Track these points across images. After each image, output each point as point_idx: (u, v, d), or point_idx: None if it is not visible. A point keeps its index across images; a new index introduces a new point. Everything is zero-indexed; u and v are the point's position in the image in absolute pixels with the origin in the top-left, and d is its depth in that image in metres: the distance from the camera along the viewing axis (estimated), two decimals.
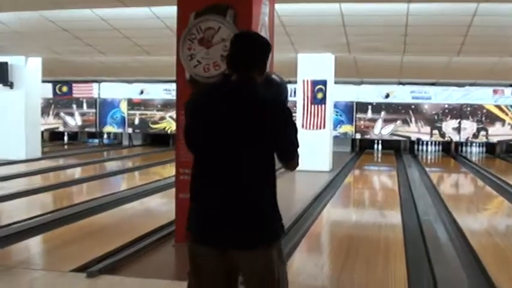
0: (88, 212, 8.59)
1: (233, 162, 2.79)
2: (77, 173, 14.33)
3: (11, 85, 16.25)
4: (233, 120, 2.78)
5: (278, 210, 2.86)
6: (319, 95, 14.32)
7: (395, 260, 6.33)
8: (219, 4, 6.27)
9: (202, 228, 2.84)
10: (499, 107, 19.97)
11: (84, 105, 22.83)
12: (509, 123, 19.95)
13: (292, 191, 11.68)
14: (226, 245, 2.77)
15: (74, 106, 22.93)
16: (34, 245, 7.01)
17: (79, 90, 22.87)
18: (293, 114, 3.22)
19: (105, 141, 23.36)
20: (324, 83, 14.35)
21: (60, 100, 22.94)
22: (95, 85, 22.61)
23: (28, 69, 16.39)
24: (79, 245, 6.70)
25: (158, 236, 7.10)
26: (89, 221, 8.07)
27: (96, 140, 23.15)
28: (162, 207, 9.27)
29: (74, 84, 22.79)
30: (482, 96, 20.11)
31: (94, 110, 22.77)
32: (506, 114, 19.92)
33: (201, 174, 2.91)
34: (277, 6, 9.55)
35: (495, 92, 20.00)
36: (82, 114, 22.92)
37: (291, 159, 2.91)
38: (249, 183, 2.79)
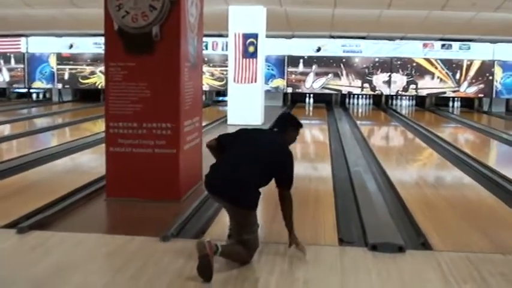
0: (17, 169, 8.44)
1: (243, 163, 4.65)
2: (5, 129, 13.96)
3: None
4: (258, 145, 4.81)
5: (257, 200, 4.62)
6: (251, 49, 14.28)
7: (325, 209, 6.46)
8: None
9: (209, 183, 4.72)
10: (428, 60, 20.33)
11: (12, 60, 22.19)
12: (438, 77, 20.35)
13: None
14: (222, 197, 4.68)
15: (1, 61, 22.26)
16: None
17: (6, 45, 22.18)
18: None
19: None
20: (256, 36, 14.31)
21: None
22: (22, 39, 21.96)
23: None
24: (9, 202, 6.59)
25: (89, 191, 7.04)
26: (18, 178, 7.93)
27: None
28: (93, 162, 9.16)
29: (0, 39, 22.08)
30: (412, 49, 20.41)
31: (22, 65, 22.16)
32: (436, 68, 20.30)
33: (222, 160, 4.81)
34: None
35: (425, 45, 20.33)
36: (10, 70, 22.29)
37: (287, 188, 4.75)
38: (246, 178, 4.58)
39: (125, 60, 6.42)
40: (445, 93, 20.59)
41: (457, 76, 20.27)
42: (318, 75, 20.81)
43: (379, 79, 20.62)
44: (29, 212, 5.89)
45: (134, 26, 6.33)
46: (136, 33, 6.35)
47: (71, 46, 21.67)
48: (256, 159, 4.66)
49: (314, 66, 20.76)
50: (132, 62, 6.42)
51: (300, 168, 9.31)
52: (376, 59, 20.55)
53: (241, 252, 4.54)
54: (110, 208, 6.57)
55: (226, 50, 14.61)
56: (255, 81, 14.42)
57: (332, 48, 20.68)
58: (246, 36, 14.26)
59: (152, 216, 6.07)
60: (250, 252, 4.58)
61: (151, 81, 6.40)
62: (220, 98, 21.47)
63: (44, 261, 4.66)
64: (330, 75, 20.74)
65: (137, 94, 6.44)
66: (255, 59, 14.34)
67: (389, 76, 20.57)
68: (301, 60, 20.80)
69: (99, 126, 12.54)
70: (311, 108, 20.88)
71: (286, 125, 5.06)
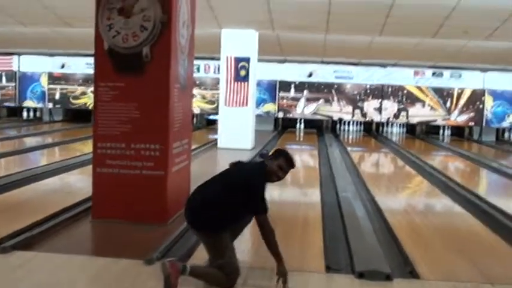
0: (3, 188, 8.33)
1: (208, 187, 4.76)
2: None
3: None
4: (231, 172, 4.96)
5: (222, 222, 4.56)
6: (242, 72, 14.29)
7: (313, 235, 6.41)
8: None
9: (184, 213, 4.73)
10: (419, 88, 20.42)
11: (3, 78, 22.12)
12: (429, 104, 20.42)
13: (213, 168, 11.61)
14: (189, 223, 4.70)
15: None
16: None
17: None
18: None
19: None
20: (247, 60, 14.33)
21: None
22: (14, 58, 21.93)
23: None
24: None
25: (75, 211, 6.95)
26: (3, 197, 7.84)
27: None
28: (81, 183, 9.07)
29: None
30: (403, 77, 20.51)
31: (13, 84, 22.09)
32: (426, 96, 20.37)
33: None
34: None
35: (416, 73, 20.43)
36: (1, 88, 22.20)
37: (259, 215, 4.55)
38: (207, 200, 4.61)
39: (114, 81, 6.39)
40: (435, 121, 20.65)
41: (448, 104, 20.35)
42: (309, 100, 20.84)
43: (370, 106, 20.67)
44: (12, 231, 5.80)
45: (125, 46, 6.30)
46: (126, 53, 6.31)
47: (63, 66, 21.66)
48: (221, 181, 4.70)
49: (305, 92, 20.79)
50: (122, 82, 6.38)
51: (288, 194, 9.33)
52: (368, 86, 20.61)
53: (218, 276, 4.46)
54: (95, 229, 6.48)
55: (218, 73, 14.60)
56: (246, 105, 14.41)
57: (324, 74, 20.74)
58: (238, 60, 14.27)
59: (138, 238, 6.00)
60: (230, 276, 4.48)
61: (141, 101, 6.35)
62: (212, 117, 21.32)
63: (26, 281, 4.60)
64: (321, 101, 20.77)
65: (126, 114, 6.39)
66: (246, 83, 14.34)
67: (381, 103, 20.62)
68: (293, 85, 20.83)
69: (89, 147, 12.44)
70: (302, 134, 20.85)
71: (277, 156, 4.81)
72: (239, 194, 4.51)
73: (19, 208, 7.27)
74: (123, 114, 6.39)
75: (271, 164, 4.73)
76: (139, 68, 6.28)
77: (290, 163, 4.81)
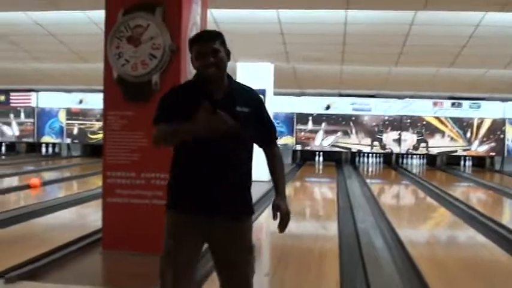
0: (16, 219, 8.30)
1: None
2: (12, 181, 13.89)
3: None
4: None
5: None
6: None
7: (330, 267, 6.22)
8: (147, 1, 6.10)
9: (194, 200, 3.32)
10: (438, 118, 20.23)
11: (22, 114, 22.27)
12: (448, 135, 20.22)
13: None
14: (218, 214, 3.33)
15: (12, 115, 22.36)
16: None
17: (17, 100, 22.33)
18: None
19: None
20: (263, 92, 14.24)
21: None
22: (33, 94, 22.10)
23: None
24: (2, 251, 6.42)
25: (85, 242, 6.85)
26: (14, 228, 7.79)
27: None
28: (94, 215, 8.96)
29: (11, 93, 22.24)
30: (422, 108, 20.36)
31: (32, 120, 22.23)
32: (446, 126, 20.18)
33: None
34: (215, 13, 9.45)
35: (435, 104, 20.27)
36: (20, 124, 22.35)
37: None
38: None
39: (124, 109, 6.33)
40: (456, 151, 20.42)
41: (468, 134, 20.14)
42: (327, 133, 20.72)
43: (389, 137, 20.50)
44: (20, 262, 5.69)
45: (134, 75, 6.24)
46: (136, 81, 6.25)
47: (81, 101, 21.77)
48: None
49: (323, 124, 20.69)
50: (131, 110, 6.32)
51: (306, 225, 9.16)
52: (386, 117, 20.46)
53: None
54: (105, 260, 6.36)
55: None
56: None
57: (341, 106, 20.65)
58: None
59: (148, 270, 5.84)
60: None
61: (150, 130, 6.23)
62: None
63: None
64: (339, 133, 20.65)
65: (135, 143, 6.31)
66: None
67: (400, 134, 20.45)
68: (311, 118, 20.74)
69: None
70: (321, 167, 20.70)
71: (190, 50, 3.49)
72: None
73: (29, 239, 7.18)
74: (132, 143, 6.32)
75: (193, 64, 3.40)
76: (148, 96, 6.18)
77: (194, 40, 3.35)
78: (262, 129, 3.48)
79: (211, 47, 3.28)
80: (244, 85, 3.54)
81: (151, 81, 6.21)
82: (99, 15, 10.22)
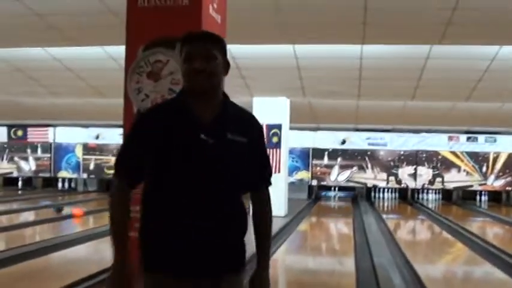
0: (34, 254, 8.31)
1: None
2: (28, 216, 13.97)
3: None
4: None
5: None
6: (274, 139, 14.28)
7: None
8: (167, 37, 6.17)
9: (192, 260, 2.58)
10: (454, 153, 20.17)
11: (39, 149, 22.44)
12: (464, 170, 20.14)
13: (246, 234, 11.48)
14: (221, 271, 2.65)
15: (29, 150, 22.53)
16: None
17: (34, 135, 22.52)
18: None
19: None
20: (279, 126, 14.34)
21: (15, 144, 22.55)
22: (50, 129, 22.29)
23: None
24: (22, 285, 6.48)
25: (103, 277, 6.85)
26: (30, 263, 7.80)
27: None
28: (109, 250, 8.98)
29: (29, 128, 22.44)
30: (437, 142, 20.31)
31: (49, 155, 22.38)
32: (462, 161, 20.11)
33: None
34: (231, 48, 9.50)
35: (450, 138, 20.23)
36: (36, 159, 22.51)
37: None
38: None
39: None
40: (472, 186, 20.31)
41: (484, 169, 20.04)
42: (342, 167, 20.71)
43: (404, 172, 20.44)
44: None
45: None
46: None
47: (97, 137, 21.92)
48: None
49: (339, 159, 20.68)
50: None
51: (322, 261, 9.14)
52: (402, 152, 20.43)
53: None
54: None
55: None
56: (279, 172, 14.32)
57: (357, 141, 20.66)
58: (269, 127, 14.27)
59: None
60: None
61: None
62: None
63: None
64: (354, 168, 20.62)
65: None
66: (278, 150, 14.30)
67: (415, 169, 20.39)
68: (326, 153, 20.74)
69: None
70: (336, 202, 20.65)
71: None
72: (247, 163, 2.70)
73: (47, 273, 7.23)
74: None
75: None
76: None
77: (185, 39, 2.62)
78: (256, 165, 2.74)
79: (205, 49, 2.57)
80: (244, 109, 2.81)
81: None
82: (117, 50, 10.42)
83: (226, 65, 2.70)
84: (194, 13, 6.15)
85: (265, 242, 2.80)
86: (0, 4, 8.16)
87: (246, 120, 2.76)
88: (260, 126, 2.83)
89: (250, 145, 2.67)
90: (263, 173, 2.80)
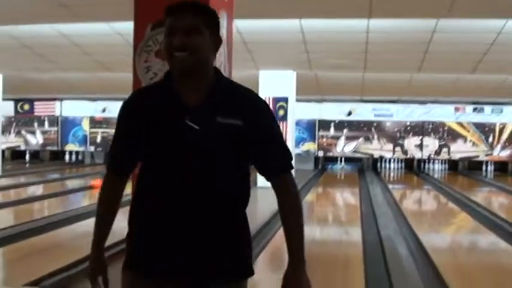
0: (45, 228, 8.44)
1: None
2: (36, 190, 14.09)
3: None
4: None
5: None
6: (281, 112, 14.32)
7: (354, 274, 6.30)
8: None
9: (166, 257, 2.29)
10: (460, 124, 20.19)
11: (46, 123, 22.55)
12: (470, 140, 20.17)
13: (253, 207, 11.53)
14: (207, 275, 2.30)
15: (36, 124, 22.64)
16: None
17: (41, 108, 22.61)
18: None
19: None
20: (286, 100, 14.36)
21: (22, 118, 22.65)
22: (57, 103, 22.36)
23: None
24: (33, 260, 6.55)
25: (115, 250, 6.94)
26: (44, 237, 7.92)
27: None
28: (119, 223, 9.10)
29: (35, 102, 22.52)
30: (443, 113, 20.32)
31: (56, 128, 22.49)
32: (468, 131, 20.14)
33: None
34: (237, 22, 9.53)
35: (456, 109, 20.24)
36: (43, 133, 22.64)
37: None
38: None
39: None
40: (478, 156, 20.37)
41: (490, 139, 20.07)
42: (349, 139, 20.77)
43: (410, 143, 20.49)
44: (52, 271, 5.82)
45: None
46: None
47: (104, 110, 21.99)
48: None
49: (345, 130, 20.73)
50: None
51: (329, 232, 9.24)
52: (408, 123, 20.46)
53: None
54: None
55: None
56: None
57: (363, 112, 20.68)
58: (276, 100, 14.31)
59: None
60: None
61: None
62: None
63: None
64: (361, 139, 20.68)
65: None
66: (285, 122, 14.35)
67: (421, 140, 20.43)
68: (332, 124, 20.79)
69: (129, 188, 12.56)
70: (342, 172, 20.75)
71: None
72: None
73: (59, 248, 7.34)
74: None
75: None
76: None
77: (169, 10, 2.26)
78: (265, 149, 2.33)
79: (189, 21, 2.21)
80: (244, 88, 2.38)
81: None
82: (123, 26, 10.46)
83: (216, 41, 2.33)
84: None
85: (293, 239, 2.34)
86: None
87: (244, 100, 2.33)
88: (261, 105, 2.36)
89: (251, 128, 2.26)
90: (276, 157, 2.35)
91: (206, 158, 2.24)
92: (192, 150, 2.24)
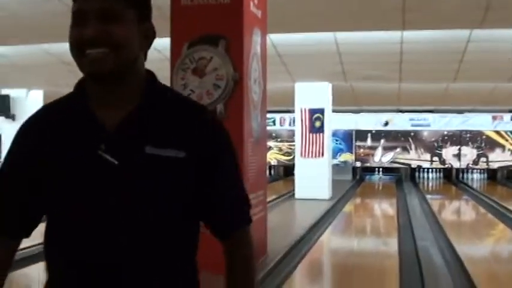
0: None
1: None
2: None
3: (13, 117, 16.47)
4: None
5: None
6: (317, 124, 14.40)
7: (390, 284, 6.37)
8: (211, 34, 6.39)
9: None
10: (498, 133, 20.06)
11: None
12: (509, 149, 20.02)
13: (291, 218, 11.74)
14: None
15: None
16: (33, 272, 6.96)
17: None
18: None
19: None
20: (322, 111, 14.44)
21: None
22: None
23: (30, 101, 16.52)
24: None
25: None
26: None
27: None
28: None
29: None
30: (481, 122, 20.22)
31: None
32: (506, 140, 19.99)
33: None
34: (272, 36, 9.70)
35: (494, 118, 20.11)
36: None
37: None
38: None
39: None
40: None
41: None
42: (386, 149, 20.76)
43: (448, 152, 20.41)
44: None
45: None
46: None
47: None
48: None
49: (382, 141, 20.74)
50: None
51: (366, 243, 9.31)
52: (445, 132, 20.39)
53: None
54: None
55: (294, 125, 14.82)
56: (322, 156, 14.46)
57: (400, 122, 20.68)
58: (312, 112, 14.40)
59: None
60: None
61: None
62: None
63: None
64: (398, 149, 20.66)
65: None
66: (321, 134, 14.43)
67: (459, 149, 20.33)
68: (369, 134, 20.82)
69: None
70: (380, 183, 20.74)
71: None
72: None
73: None
74: None
75: None
76: None
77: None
78: (219, 199, 1.63)
79: (104, 3, 1.48)
80: (189, 100, 1.70)
81: (216, 110, 6.49)
82: (161, 42, 10.62)
83: (148, 30, 1.60)
84: (235, 10, 6.39)
85: None
86: (48, 4, 8.45)
87: (191, 120, 1.59)
88: (220, 133, 1.67)
89: (198, 162, 1.56)
90: (235, 209, 1.69)
91: (129, 208, 1.50)
92: (108, 196, 1.50)
